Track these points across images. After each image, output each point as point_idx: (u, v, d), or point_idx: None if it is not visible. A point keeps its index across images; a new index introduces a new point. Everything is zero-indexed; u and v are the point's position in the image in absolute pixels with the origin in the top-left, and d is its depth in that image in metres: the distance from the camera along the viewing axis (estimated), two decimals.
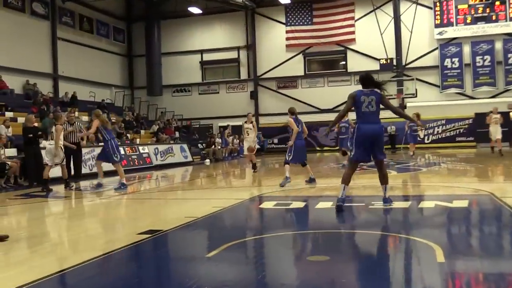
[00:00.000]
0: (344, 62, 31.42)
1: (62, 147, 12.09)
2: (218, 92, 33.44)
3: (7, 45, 23.85)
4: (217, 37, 33.30)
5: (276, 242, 5.65)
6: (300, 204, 8.17)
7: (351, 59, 31.20)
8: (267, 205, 8.38)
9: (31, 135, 12.92)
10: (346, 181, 7.23)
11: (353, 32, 31.12)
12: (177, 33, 33.65)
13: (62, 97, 26.36)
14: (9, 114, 19.06)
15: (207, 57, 33.66)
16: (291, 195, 9.62)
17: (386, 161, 19.13)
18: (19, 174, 13.77)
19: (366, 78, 7.32)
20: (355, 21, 31.08)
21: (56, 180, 13.11)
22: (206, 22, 33.20)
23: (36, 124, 14.38)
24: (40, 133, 13.38)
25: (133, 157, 20.07)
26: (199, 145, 27.87)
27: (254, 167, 15.25)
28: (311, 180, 11.19)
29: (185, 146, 24.96)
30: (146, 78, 32.79)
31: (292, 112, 11.31)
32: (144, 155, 20.89)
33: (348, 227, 6.29)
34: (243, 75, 33.32)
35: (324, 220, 6.54)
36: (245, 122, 15.59)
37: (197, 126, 32.28)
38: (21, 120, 17.70)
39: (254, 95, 32.80)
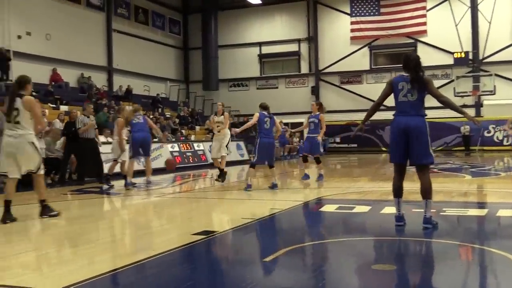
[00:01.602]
0: None
1: (122, 142, 12.37)
2: (277, 87, 33.50)
3: (62, 38, 24.81)
4: (276, 29, 33.35)
5: (338, 248, 5.61)
6: (364, 209, 8.06)
7: (422, 52, 30.41)
8: (328, 208, 8.32)
9: (65, 130, 13.51)
10: (396, 192, 6.32)
11: (424, 23, 30.38)
12: (234, 24, 33.95)
13: (116, 91, 27.18)
14: (64, 108, 19.80)
15: (266, 50, 33.77)
16: (354, 198, 9.51)
17: (459, 164, 18.61)
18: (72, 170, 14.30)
19: (407, 60, 6.22)
20: (427, 11, 30.34)
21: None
22: (265, 13, 33.31)
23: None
24: (75, 128, 13.53)
25: (187, 154, 20.41)
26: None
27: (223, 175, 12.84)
28: (273, 186, 11.19)
29: (241, 143, 25.15)
30: (202, 72, 33.29)
31: (263, 107, 11.23)
32: (199, 152, 21.21)
33: (417, 234, 6.14)
34: (304, 69, 33.22)
35: (390, 226, 6.42)
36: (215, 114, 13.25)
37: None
38: None
39: (315, 91, 32.64)
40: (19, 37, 22.95)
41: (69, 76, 25.08)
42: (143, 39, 30.63)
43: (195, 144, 21.51)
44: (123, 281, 4.46)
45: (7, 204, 7.29)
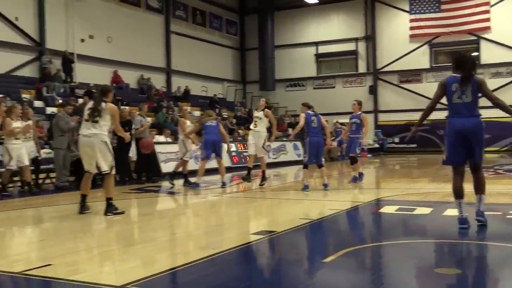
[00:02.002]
0: (477, 53, 29.73)
1: (186, 141, 12.55)
2: (334, 87, 33.22)
3: (123, 40, 25.48)
4: (333, 28, 33.09)
5: (398, 250, 5.50)
6: (426, 210, 7.88)
7: (485, 49, 29.48)
8: (388, 209, 8.17)
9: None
10: (457, 194, 6.21)
11: (488, 19, 29.39)
12: (291, 24, 33.90)
13: (175, 92, 27.69)
14: (124, 108, 20.30)
15: (323, 49, 33.55)
16: (415, 200, 9.31)
17: None
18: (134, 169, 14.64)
19: (463, 60, 6.14)
20: (491, 6, 29.32)
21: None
22: (321, 12, 33.09)
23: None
24: (129, 127, 13.71)
25: (245, 154, 20.51)
26: None
27: (262, 179, 12.32)
28: (325, 186, 10.98)
29: (298, 143, 25.06)
30: (258, 72, 33.44)
31: (307, 105, 11.11)
32: None
33: (482, 238, 5.95)
34: (362, 68, 32.80)
35: (452, 229, 6.24)
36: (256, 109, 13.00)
37: None
38: None
39: (373, 90, 32.17)
40: (82, 40, 23.73)
41: (130, 78, 25.72)
42: (201, 40, 31.04)
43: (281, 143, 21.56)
44: (183, 279, 4.52)
45: (83, 198, 8.05)
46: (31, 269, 4.63)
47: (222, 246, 5.50)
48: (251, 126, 12.37)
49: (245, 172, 12.99)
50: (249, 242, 5.69)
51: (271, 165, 21.04)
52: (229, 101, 31.75)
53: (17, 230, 7.37)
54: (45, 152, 13.61)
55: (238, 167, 19.03)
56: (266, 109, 12.11)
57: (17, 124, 11.32)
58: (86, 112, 7.93)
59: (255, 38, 33.64)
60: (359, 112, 12.41)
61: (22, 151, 11.33)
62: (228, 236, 6.30)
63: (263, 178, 12.20)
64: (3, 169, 11.42)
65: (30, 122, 11.83)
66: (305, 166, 11.09)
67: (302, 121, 10.91)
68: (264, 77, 33.23)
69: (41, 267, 4.73)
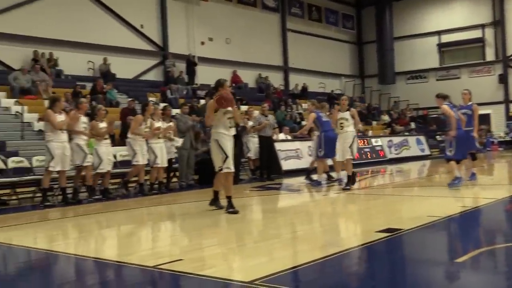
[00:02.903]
0: None
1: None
2: (459, 77, 31.60)
3: (241, 41, 26.10)
4: (456, 15, 31.46)
5: None
6: None
7: None
8: None
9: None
10: None
11: None
12: (410, 15, 32.75)
13: (292, 89, 27.85)
14: (244, 108, 20.77)
15: (446, 38, 32.04)
16: None
17: None
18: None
19: None
20: None
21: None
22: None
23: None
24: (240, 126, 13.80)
25: (365, 150, 20.19)
26: (437, 136, 26.73)
27: (351, 180, 11.21)
28: (472, 176, 10.39)
29: (421, 138, 24.24)
30: (377, 66, 32.72)
31: (443, 96, 10.10)
32: (377, 148, 20.86)
33: None
34: (489, 56, 30.90)
35: None
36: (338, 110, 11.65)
37: (435, 115, 30.97)
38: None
39: (503, 79, 30.19)
40: (203, 43, 24.62)
41: (248, 77, 26.27)
42: (317, 37, 30.94)
43: (373, 140, 21.19)
44: (308, 277, 4.51)
45: (216, 194, 8.37)
46: (163, 264, 4.86)
47: (346, 244, 5.43)
48: (337, 129, 11.22)
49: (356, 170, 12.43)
50: (374, 240, 5.56)
51: (393, 161, 20.49)
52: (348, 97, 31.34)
53: (150, 226, 7.79)
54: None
55: (359, 163, 18.73)
56: (352, 109, 11.39)
57: (158, 124, 11.91)
58: None
59: (372, 31, 32.93)
60: (470, 103, 11.31)
61: (164, 151, 11.91)
62: (352, 234, 6.20)
63: (351, 180, 11.09)
64: (131, 167, 11.92)
65: (171, 123, 12.41)
66: (450, 160, 10.11)
67: (450, 113, 9.90)
68: (383, 71, 32.45)
69: (172, 262, 4.96)
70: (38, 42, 19.07)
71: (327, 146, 11.64)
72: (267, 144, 13.94)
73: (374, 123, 27.54)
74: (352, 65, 34.30)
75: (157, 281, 4.58)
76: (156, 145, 11.73)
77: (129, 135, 11.62)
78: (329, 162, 12.49)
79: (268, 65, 27.66)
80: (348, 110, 11.16)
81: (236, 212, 7.84)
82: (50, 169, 10.18)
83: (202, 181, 13.17)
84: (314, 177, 12.25)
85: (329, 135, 11.60)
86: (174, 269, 4.69)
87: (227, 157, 7.90)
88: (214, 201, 8.40)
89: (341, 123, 11.07)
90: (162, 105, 14.49)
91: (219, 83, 8.12)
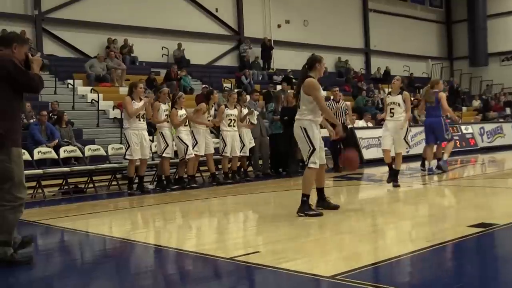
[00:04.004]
0: None
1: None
2: None
3: (319, 23, 25.87)
4: None
5: None
6: None
7: None
8: None
9: (286, 117, 12.06)
10: None
11: None
12: None
13: (374, 73, 27.34)
14: (323, 93, 20.58)
15: None
16: None
17: None
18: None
19: None
20: None
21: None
22: None
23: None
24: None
25: (454, 138, 19.49)
26: None
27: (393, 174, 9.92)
28: None
29: None
30: (467, 47, 31.51)
31: None
32: (467, 136, 20.10)
33: None
34: None
35: None
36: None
37: None
38: None
39: None
40: (279, 26, 24.63)
41: (327, 61, 25.77)
42: (401, 16, 30.15)
43: (463, 127, 20.42)
44: (393, 272, 4.41)
45: (320, 191, 7.37)
46: (239, 256, 4.90)
47: (438, 239, 5.26)
48: (386, 116, 10.18)
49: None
50: (467, 235, 5.35)
51: (485, 150, 19.70)
52: None
53: (224, 217, 7.89)
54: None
55: (457, 151, 18.13)
56: (405, 92, 10.03)
57: (233, 112, 11.85)
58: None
59: (463, 9, 31.69)
60: None
61: (237, 139, 11.83)
62: (443, 228, 6.00)
63: (394, 175, 9.83)
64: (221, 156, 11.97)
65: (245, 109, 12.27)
66: None
67: None
68: (474, 52, 31.18)
69: (249, 254, 4.99)
70: (113, 29, 19.76)
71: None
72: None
73: (464, 109, 26.57)
74: (439, 46, 33.20)
75: (234, 274, 4.62)
76: (227, 133, 11.75)
77: (191, 124, 11.45)
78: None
79: (348, 48, 27.29)
80: (400, 93, 10.03)
81: (318, 215, 6.93)
82: (127, 157, 10.48)
83: (277, 170, 13.19)
84: (445, 156, 11.81)
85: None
86: (251, 261, 4.72)
87: (314, 149, 6.93)
88: (321, 201, 7.37)
89: (392, 109, 9.82)
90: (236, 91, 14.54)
91: (316, 59, 7.12)
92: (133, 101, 10.44)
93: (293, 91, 7.60)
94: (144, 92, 11.63)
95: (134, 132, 10.41)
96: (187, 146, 10.98)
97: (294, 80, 17.56)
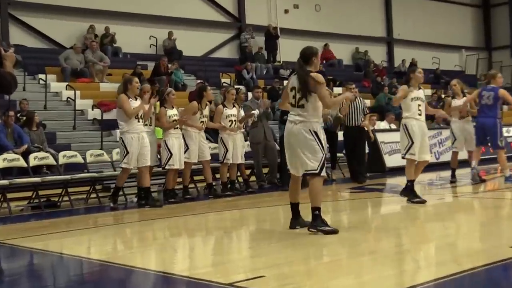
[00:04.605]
0: None
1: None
2: None
3: (333, 8, 25.96)
4: None
5: None
6: None
7: None
8: None
9: (286, 116, 12.27)
10: None
11: None
12: None
13: (398, 66, 27.31)
14: (337, 90, 20.52)
15: None
16: None
17: None
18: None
19: None
20: None
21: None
22: None
23: None
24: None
25: (508, 140, 19.44)
26: None
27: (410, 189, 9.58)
28: None
29: None
30: (509, 35, 31.47)
31: None
32: (509, 140, 20.04)
33: None
34: None
35: None
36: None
37: None
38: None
39: None
40: (286, 11, 24.65)
41: (342, 52, 26.04)
42: (430, 0, 30.19)
43: (504, 129, 20.34)
44: None
45: (293, 207, 7.38)
46: (240, 281, 4.87)
47: (472, 262, 5.23)
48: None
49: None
50: (509, 258, 5.32)
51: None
52: (469, 75, 30.36)
53: (222, 235, 7.85)
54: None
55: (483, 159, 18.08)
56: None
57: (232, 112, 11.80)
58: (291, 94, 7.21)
59: None
60: None
61: (239, 144, 11.80)
62: (478, 249, 5.97)
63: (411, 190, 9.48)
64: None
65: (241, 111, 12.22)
66: None
67: None
68: None
69: (252, 279, 4.97)
70: (92, 14, 19.80)
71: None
72: (358, 136, 13.38)
73: (505, 107, 26.42)
74: (475, 34, 33.20)
75: None
76: (228, 137, 11.71)
77: (183, 126, 11.36)
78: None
79: (367, 36, 27.31)
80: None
81: (333, 232, 6.88)
82: (123, 165, 10.36)
83: (285, 180, 12.92)
84: (506, 172, 11.76)
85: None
86: (253, 287, 4.69)
87: (325, 156, 7.08)
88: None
89: (419, 105, 9.43)
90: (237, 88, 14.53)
91: (313, 52, 7.22)
92: (130, 99, 10.32)
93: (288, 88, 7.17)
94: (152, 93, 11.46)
95: (133, 135, 10.20)
96: (171, 155, 10.87)
97: None
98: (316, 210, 6.94)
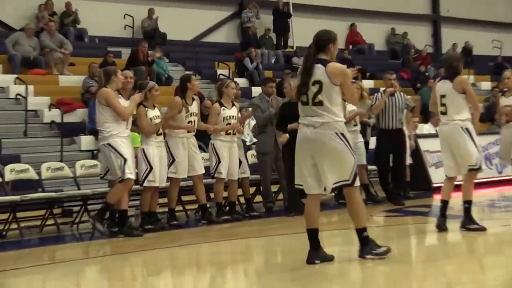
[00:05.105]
0: None
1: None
2: None
3: None
4: None
5: None
6: None
7: None
8: None
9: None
10: None
11: None
12: None
13: (447, 51, 27.23)
14: (368, 83, 20.41)
15: None
16: None
17: None
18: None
19: None
20: None
21: None
22: None
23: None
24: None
25: None
26: None
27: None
28: None
29: None
30: None
31: None
32: None
33: None
34: None
35: None
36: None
37: None
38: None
39: None
40: None
41: (374, 35, 26.05)
42: None
43: None
44: None
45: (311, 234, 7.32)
46: None
47: None
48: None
49: None
50: None
51: None
52: None
53: (218, 273, 7.79)
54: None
55: None
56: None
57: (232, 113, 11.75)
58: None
59: None
60: None
61: (235, 153, 11.71)
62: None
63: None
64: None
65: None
66: None
67: None
68: None
69: None
70: None
71: None
72: (397, 142, 13.07)
73: None
74: None
75: None
76: (222, 143, 11.57)
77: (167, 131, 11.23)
78: None
79: (406, 14, 27.38)
80: None
81: (386, 252, 7.19)
82: (108, 177, 10.42)
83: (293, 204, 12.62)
84: None
85: None
86: None
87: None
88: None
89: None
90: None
91: (331, 37, 7.26)
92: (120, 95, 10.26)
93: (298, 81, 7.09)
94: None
95: (122, 140, 10.09)
96: (150, 169, 10.64)
97: None
98: (363, 232, 7.08)
